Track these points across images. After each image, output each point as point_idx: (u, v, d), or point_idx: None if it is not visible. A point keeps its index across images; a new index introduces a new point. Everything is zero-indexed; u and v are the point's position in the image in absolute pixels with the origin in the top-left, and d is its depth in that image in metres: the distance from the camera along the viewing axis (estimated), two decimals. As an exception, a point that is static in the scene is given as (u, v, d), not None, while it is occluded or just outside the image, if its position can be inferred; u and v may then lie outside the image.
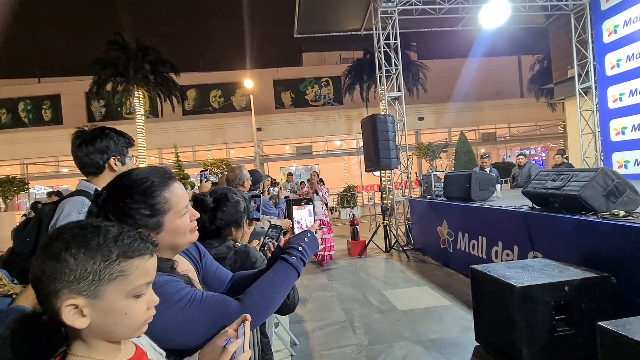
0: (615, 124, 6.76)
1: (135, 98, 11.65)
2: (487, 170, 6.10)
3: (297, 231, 1.10)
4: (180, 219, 0.89)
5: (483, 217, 4.04)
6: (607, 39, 6.86)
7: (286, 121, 16.64)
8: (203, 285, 1.01)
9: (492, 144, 19.37)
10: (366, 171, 6.14)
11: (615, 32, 6.68)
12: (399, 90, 6.59)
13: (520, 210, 3.35)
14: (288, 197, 5.89)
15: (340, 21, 8.10)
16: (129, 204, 0.82)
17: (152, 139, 12.81)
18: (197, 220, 0.97)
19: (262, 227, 2.34)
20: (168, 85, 12.23)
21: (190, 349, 0.81)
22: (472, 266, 2.74)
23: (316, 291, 4.38)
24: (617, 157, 6.70)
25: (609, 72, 6.84)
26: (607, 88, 6.90)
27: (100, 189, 0.88)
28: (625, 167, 6.45)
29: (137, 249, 0.62)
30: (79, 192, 1.35)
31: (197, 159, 14.07)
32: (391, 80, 6.61)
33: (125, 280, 0.60)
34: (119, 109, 15.58)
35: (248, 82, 12.38)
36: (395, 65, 6.56)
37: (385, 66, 6.53)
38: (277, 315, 3.18)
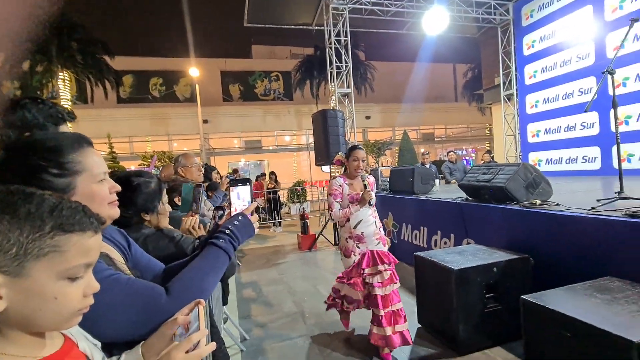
0: (531, 128, 7.71)
1: (60, 80, 10.32)
2: (428, 166, 6.56)
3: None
4: (98, 186, 0.79)
5: (424, 209, 4.33)
6: (526, 52, 7.78)
7: (235, 114, 16.09)
8: (135, 271, 0.92)
9: (430, 143, 20.86)
10: (316, 165, 6.20)
11: (533, 46, 7.60)
12: (348, 87, 6.75)
13: (457, 201, 3.66)
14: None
15: (292, 14, 8.04)
16: (34, 162, 0.71)
17: (81, 128, 11.46)
18: None
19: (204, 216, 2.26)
20: (100, 68, 11.04)
21: (117, 343, 0.73)
22: (416, 253, 2.93)
23: (266, 286, 4.33)
24: (533, 157, 7.65)
25: (528, 81, 7.77)
26: (526, 95, 7.84)
27: None
28: (539, 165, 7.40)
29: (78, 223, 0.53)
30: None
31: (135, 151, 12.95)
32: (341, 77, 6.75)
33: (59, 257, 0.50)
34: (38, 92, 13.67)
35: (194, 70, 11.68)
36: (346, 62, 6.71)
37: (336, 62, 6.65)
38: (226, 311, 3.08)
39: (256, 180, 9.62)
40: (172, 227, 1.46)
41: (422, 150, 18.12)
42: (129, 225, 1.27)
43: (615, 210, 2.31)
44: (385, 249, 2.55)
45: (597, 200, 2.58)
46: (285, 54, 20.31)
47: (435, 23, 7.27)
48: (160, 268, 1.04)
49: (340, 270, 4.73)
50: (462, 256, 2.72)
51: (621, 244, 2.10)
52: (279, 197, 8.86)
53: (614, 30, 5.69)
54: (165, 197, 1.43)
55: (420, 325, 2.93)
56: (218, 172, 5.16)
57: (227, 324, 3.04)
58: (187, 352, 0.66)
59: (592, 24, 6.11)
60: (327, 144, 5.54)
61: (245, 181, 1.13)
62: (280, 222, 8.69)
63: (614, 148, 2.95)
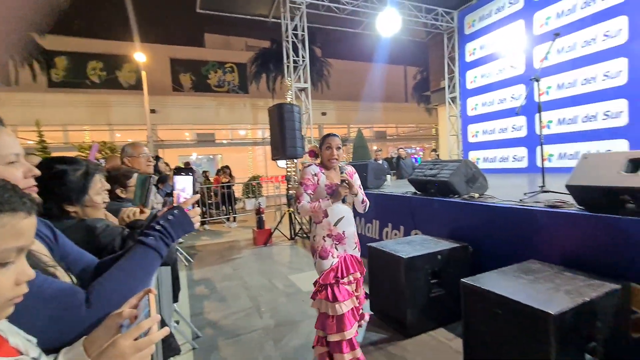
0: (471, 128, 8.40)
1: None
2: (380, 162, 6.85)
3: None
4: (6, 168, 0.72)
5: (377, 202, 4.53)
6: (468, 58, 8.43)
7: (186, 105, 15.25)
8: (62, 263, 0.85)
9: (383, 141, 21.68)
10: (272, 159, 6.16)
11: (474, 53, 8.25)
12: (305, 82, 6.77)
13: (406, 195, 3.89)
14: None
15: (247, 4, 7.82)
16: None
17: (4, 113, 10.07)
18: None
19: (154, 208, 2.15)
20: (26, 46, 9.77)
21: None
22: (369, 244, 3.07)
23: (220, 282, 4.23)
24: (472, 155, 8.35)
25: (469, 85, 8.44)
26: (467, 99, 8.51)
27: None
28: (477, 162, 8.10)
29: (7, 202, 0.49)
30: None
31: (71, 141, 11.69)
32: (298, 72, 6.74)
33: None
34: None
35: (139, 55, 10.84)
36: (303, 57, 6.72)
37: (293, 56, 6.62)
38: (176, 310, 2.96)
39: (217, 174, 9.25)
40: (101, 218, 1.36)
41: (375, 147, 18.83)
42: (50, 216, 1.14)
43: (538, 202, 2.63)
44: (359, 254, 2.28)
45: (524, 194, 2.92)
46: (240, 46, 19.66)
47: (388, 25, 7.57)
48: (92, 261, 0.97)
49: (297, 263, 4.82)
50: (410, 246, 2.91)
51: (542, 231, 2.41)
52: (234, 192, 8.64)
53: (541, 44, 6.39)
54: (97, 188, 1.29)
55: (372, 313, 3.08)
56: (167, 164, 4.91)
57: (179, 324, 2.92)
58: (136, 339, 0.62)
59: (523, 37, 6.80)
60: (283, 138, 5.52)
61: (188, 171, 1.09)
62: (234, 218, 8.49)
63: (539, 149, 3.34)
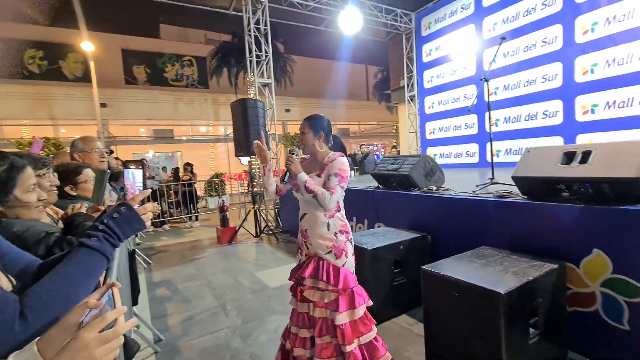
0: (429, 126, 8.84)
1: None
2: (345, 158, 7.00)
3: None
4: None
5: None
6: (425, 59, 8.84)
7: (141, 99, 14.36)
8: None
9: (346, 138, 22.08)
10: (235, 156, 6.03)
11: (430, 54, 8.67)
12: (268, 77, 6.69)
13: (369, 189, 4.02)
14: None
15: (207, -5, 7.55)
16: None
17: None
18: None
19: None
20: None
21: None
22: (335, 237, 3.14)
23: (183, 282, 4.08)
24: (430, 152, 8.79)
25: (426, 85, 8.86)
26: (424, 98, 8.93)
27: None
28: (434, 158, 8.54)
29: None
30: None
31: (7, 137, 10.53)
32: (261, 67, 6.64)
33: None
34: None
35: (87, 45, 10.01)
36: (266, 52, 6.63)
37: (256, 51, 6.51)
38: (136, 314, 2.82)
39: (184, 171, 8.80)
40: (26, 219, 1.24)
41: (339, 144, 19.08)
42: None
43: (488, 193, 2.86)
44: (341, 264, 1.83)
45: (477, 186, 3.15)
46: (199, 38, 18.88)
47: (349, 23, 7.72)
48: (33, 262, 0.89)
49: (263, 260, 4.79)
50: (374, 237, 3.02)
51: (492, 219, 2.62)
52: (195, 190, 8.33)
53: (490, 47, 6.88)
54: (27, 185, 1.15)
55: (338, 304, 3.16)
56: (118, 158, 4.63)
57: (139, 327, 2.79)
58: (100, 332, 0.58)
59: (474, 40, 7.27)
60: (247, 134, 5.43)
61: (138, 163, 1.04)
62: (197, 217, 8.20)
63: (488, 145, 3.62)
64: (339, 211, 1.91)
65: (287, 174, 1.98)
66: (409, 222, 3.36)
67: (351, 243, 1.92)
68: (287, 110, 17.64)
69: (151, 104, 14.53)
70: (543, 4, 5.89)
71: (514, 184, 2.51)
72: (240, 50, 8.40)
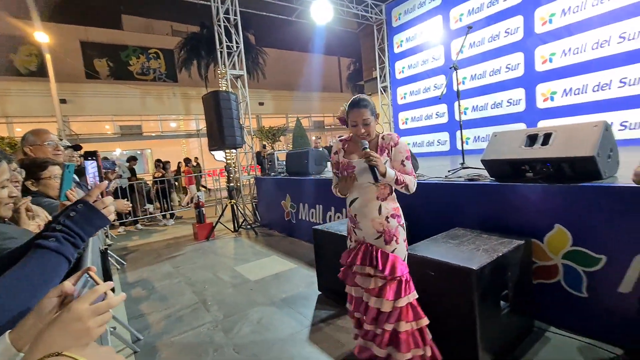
0: (402, 116, 9.03)
1: None
2: (321, 149, 7.00)
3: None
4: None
5: (319, 188, 4.66)
6: (396, 50, 8.98)
7: (104, 94, 13.61)
8: None
9: (321, 130, 22.12)
10: (209, 150, 5.89)
11: (401, 45, 8.82)
12: (240, 69, 6.55)
13: (347, 179, 4.07)
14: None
15: (172, -16, 7.23)
16: None
17: None
18: None
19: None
20: None
21: None
22: (314, 227, 3.17)
23: (160, 281, 3.98)
24: (403, 141, 8.99)
25: (398, 76, 9.02)
26: (397, 88, 9.10)
27: None
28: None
29: None
30: None
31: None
32: (232, 58, 6.48)
33: None
34: None
35: (41, 36, 9.32)
36: (237, 42, 6.47)
37: (226, 42, 6.34)
38: (113, 316, 2.72)
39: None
40: None
41: (314, 137, 19.15)
42: None
43: (460, 177, 2.98)
44: (391, 250, 1.77)
45: (448, 171, 3.28)
46: (165, 30, 18.08)
47: (320, 13, 7.69)
48: None
49: (243, 254, 4.75)
50: (353, 225, 3.08)
51: (464, 201, 2.74)
52: (169, 187, 8.07)
53: (457, 38, 7.09)
54: (1, 181, 1.13)
55: (320, 293, 3.21)
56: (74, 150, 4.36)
57: (115, 328, 2.70)
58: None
59: (442, 31, 7.46)
60: (221, 127, 5.32)
61: (91, 155, 0.98)
62: (171, 214, 7.96)
63: (458, 133, 3.76)
64: (391, 193, 1.83)
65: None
66: (385, 208, 3.43)
67: (403, 228, 1.83)
68: (261, 104, 17.39)
69: (116, 99, 13.82)
70: (505, -4, 6.13)
71: (483, 167, 2.63)
72: (209, 41, 8.14)
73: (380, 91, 9.78)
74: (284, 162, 5.84)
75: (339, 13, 8.43)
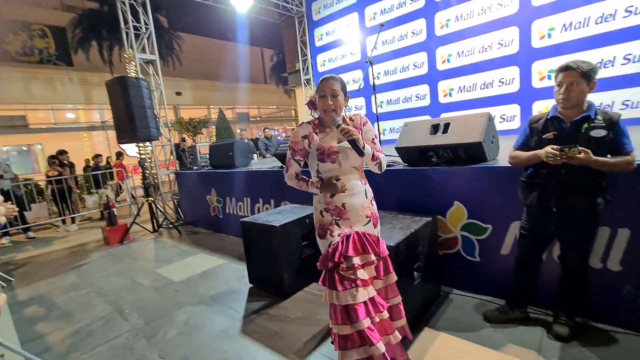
0: (327, 109, 9.30)
1: None
2: (246, 141, 6.84)
3: None
4: None
5: (246, 180, 4.57)
6: (317, 43, 9.16)
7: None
8: None
9: (246, 123, 21.51)
10: (118, 143, 5.27)
11: (321, 39, 9.02)
12: (152, 53, 5.95)
13: (274, 169, 4.07)
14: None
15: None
16: None
17: None
18: None
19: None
20: None
21: None
22: (242, 219, 3.11)
23: (62, 295, 3.47)
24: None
25: (320, 69, 9.22)
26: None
27: None
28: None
29: None
30: None
31: None
32: (141, 41, 5.84)
33: None
34: None
35: None
36: (146, 23, 5.84)
37: (133, 22, 5.67)
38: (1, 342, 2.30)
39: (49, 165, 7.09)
40: None
41: (239, 129, 18.53)
42: None
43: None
44: (377, 232, 1.76)
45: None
46: (53, 4, 15.30)
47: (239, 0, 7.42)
48: None
49: (164, 255, 4.41)
50: (282, 215, 3.11)
51: (382, 185, 2.99)
52: (69, 187, 6.96)
53: (371, 35, 7.55)
54: None
55: (251, 285, 3.19)
56: None
57: (3, 356, 2.28)
58: None
59: (358, 28, 7.86)
60: (131, 118, 4.79)
61: None
62: (73, 219, 6.93)
63: (376, 125, 4.05)
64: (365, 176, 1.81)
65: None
66: (310, 195, 3.54)
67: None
68: (179, 94, 16.10)
69: (-12, 84, 11.32)
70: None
71: (397, 154, 2.90)
72: (112, 20, 7.17)
73: (304, 83, 9.89)
74: (207, 155, 5.54)
75: (259, 2, 8.23)
